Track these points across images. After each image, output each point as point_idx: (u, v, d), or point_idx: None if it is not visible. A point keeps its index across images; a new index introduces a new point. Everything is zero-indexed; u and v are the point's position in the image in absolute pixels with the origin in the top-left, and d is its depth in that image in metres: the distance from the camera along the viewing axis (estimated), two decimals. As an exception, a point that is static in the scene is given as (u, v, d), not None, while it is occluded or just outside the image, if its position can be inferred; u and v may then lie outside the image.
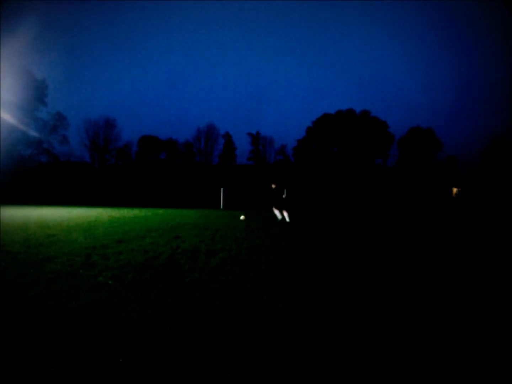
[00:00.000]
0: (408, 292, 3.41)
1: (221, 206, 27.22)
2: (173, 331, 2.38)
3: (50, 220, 11.55)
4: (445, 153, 49.48)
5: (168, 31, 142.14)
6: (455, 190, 29.31)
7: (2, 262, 4.50)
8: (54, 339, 2.22)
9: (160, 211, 19.26)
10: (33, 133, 42.86)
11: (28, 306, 2.83)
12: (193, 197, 33.22)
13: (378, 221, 13.19)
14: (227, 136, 53.91)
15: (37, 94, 43.44)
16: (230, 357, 2.03)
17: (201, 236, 7.63)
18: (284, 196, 12.26)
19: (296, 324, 2.55)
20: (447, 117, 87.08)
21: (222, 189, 28.00)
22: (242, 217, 13.44)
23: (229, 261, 4.83)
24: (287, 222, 11.80)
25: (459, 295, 3.33)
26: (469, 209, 24.37)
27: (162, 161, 50.74)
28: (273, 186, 12.44)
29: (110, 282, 3.63)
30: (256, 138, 55.00)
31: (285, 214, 12.09)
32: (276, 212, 12.48)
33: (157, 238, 7.05)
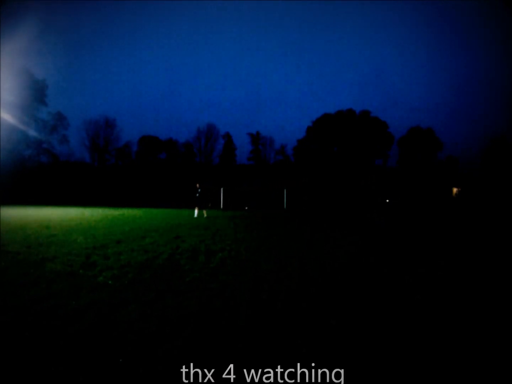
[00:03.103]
0: (407, 293, 3.41)
1: (221, 206, 27.23)
2: (173, 331, 2.38)
3: (50, 220, 11.54)
4: (445, 153, 49.44)
5: (168, 31, 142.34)
6: (455, 190, 29.32)
7: (2, 262, 4.50)
8: (54, 339, 2.23)
9: (160, 211, 19.25)
10: (33, 133, 42.79)
11: (28, 306, 2.83)
12: (194, 197, 33.19)
13: (378, 221, 13.18)
14: (227, 136, 53.78)
15: (37, 94, 43.38)
16: (230, 357, 2.03)
17: (201, 236, 7.63)
18: (202, 196, 14.63)
19: (296, 324, 2.55)
20: (447, 117, 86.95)
21: (222, 189, 28.01)
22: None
23: (229, 261, 4.83)
24: (205, 217, 13.81)
25: (458, 296, 3.34)
26: (469, 209, 24.36)
27: (162, 161, 50.68)
28: (197, 185, 14.84)
29: (110, 282, 3.63)
30: (256, 138, 54.91)
31: (204, 211, 14.41)
32: (196, 210, 14.49)
33: (157, 238, 7.05)
